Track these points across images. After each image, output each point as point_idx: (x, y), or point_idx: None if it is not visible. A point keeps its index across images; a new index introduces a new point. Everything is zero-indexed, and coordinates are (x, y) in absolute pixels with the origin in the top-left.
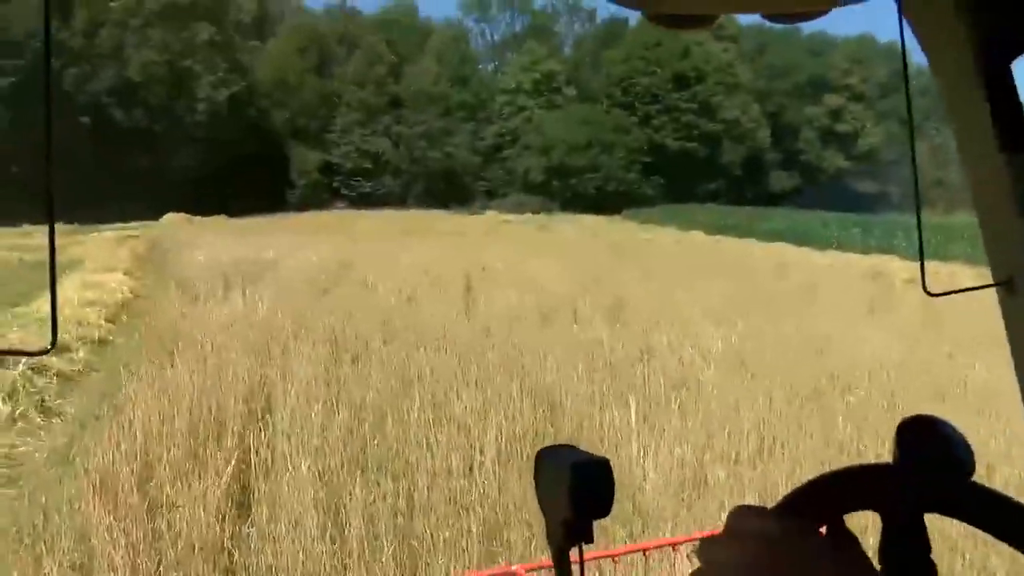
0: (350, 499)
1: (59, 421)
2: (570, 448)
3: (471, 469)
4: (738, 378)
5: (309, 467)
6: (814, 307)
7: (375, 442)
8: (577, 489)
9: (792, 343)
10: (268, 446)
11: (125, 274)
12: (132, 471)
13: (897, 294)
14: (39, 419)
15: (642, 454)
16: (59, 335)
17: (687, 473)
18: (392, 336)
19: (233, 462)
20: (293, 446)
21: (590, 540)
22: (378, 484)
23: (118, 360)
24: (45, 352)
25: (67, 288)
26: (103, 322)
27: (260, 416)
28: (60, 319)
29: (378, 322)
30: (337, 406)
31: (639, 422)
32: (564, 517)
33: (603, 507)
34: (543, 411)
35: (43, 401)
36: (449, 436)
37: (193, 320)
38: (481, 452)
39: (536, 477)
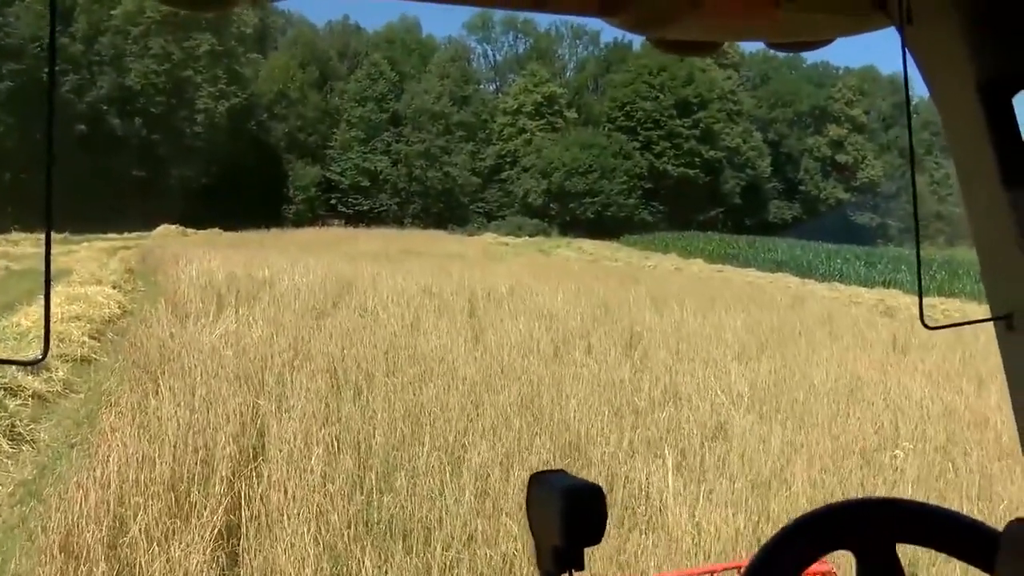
0: (359, 571)
1: (30, 449)
2: (562, 473)
3: (497, 537)
4: (776, 426)
5: (309, 528)
6: (836, 344)
7: (384, 498)
8: (568, 515)
9: (824, 385)
10: (262, 500)
11: (114, 287)
12: (101, 529)
13: (918, 331)
14: (7, 446)
15: (690, 519)
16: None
17: (743, 545)
18: (396, 367)
19: (220, 519)
20: (290, 499)
21: (580, 567)
22: (392, 555)
23: (100, 383)
24: (37, 362)
25: (53, 301)
26: (87, 339)
27: (252, 458)
28: (40, 332)
29: (381, 351)
30: (339, 450)
31: (677, 479)
32: (554, 543)
33: (595, 534)
34: (570, 463)
35: (13, 426)
36: (467, 492)
37: (182, 341)
38: (506, 514)
39: (528, 501)
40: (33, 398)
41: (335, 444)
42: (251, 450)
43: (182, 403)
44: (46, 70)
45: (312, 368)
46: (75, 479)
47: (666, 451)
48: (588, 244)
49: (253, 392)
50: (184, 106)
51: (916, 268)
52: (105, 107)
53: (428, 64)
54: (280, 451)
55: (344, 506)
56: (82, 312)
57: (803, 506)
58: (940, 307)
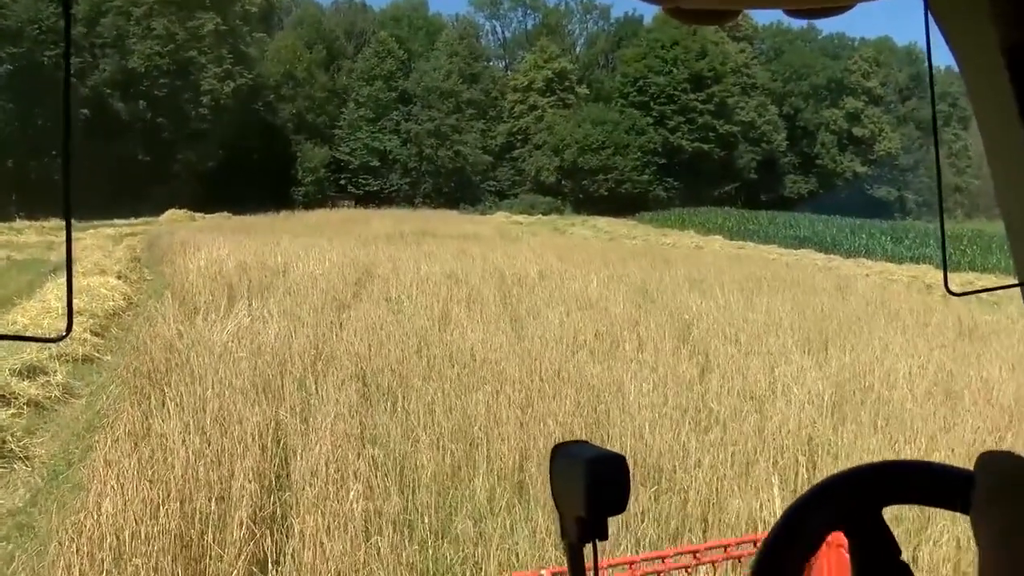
0: None
1: (23, 468)
2: (585, 444)
3: None
4: (876, 437)
5: None
6: (897, 328)
7: (443, 547)
8: (592, 485)
9: (911, 381)
10: (293, 558)
11: (119, 278)
12: None
13: (977, 315)
14: None
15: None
16: (35, 354)
17: None
18: (433, 369)
19: None
20: (327, 558)
21: (604, 537)
22: None
23: (102, 387)
24: (60, 339)
25: (51, 294)
26: (89, 335)
27: (277, 488)
28: (38, 331)
29: (412, 349)
30: (379, 482)
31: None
32: (578, 514)
33: (618, 504)
34: (658, 494)
35: (4, 442)
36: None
37: (190, 341)
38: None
39: (551, 472)
40: (29, 406)
41: (375, 475)
42: (274, 480)
43: (191, 423)
44: (47, 53)
45: (338, 372)
46: (57, 539)
47: (772, 475)
48: (603, 222)
49: (273, 403)
50: (189, 88)
51: (940, 234)
52: (108, 91)
53: (436, 42)
54: (311, 486)
55: (394, 563)
56: (84, 306)
57: (947, 552)
58: (978, 284)
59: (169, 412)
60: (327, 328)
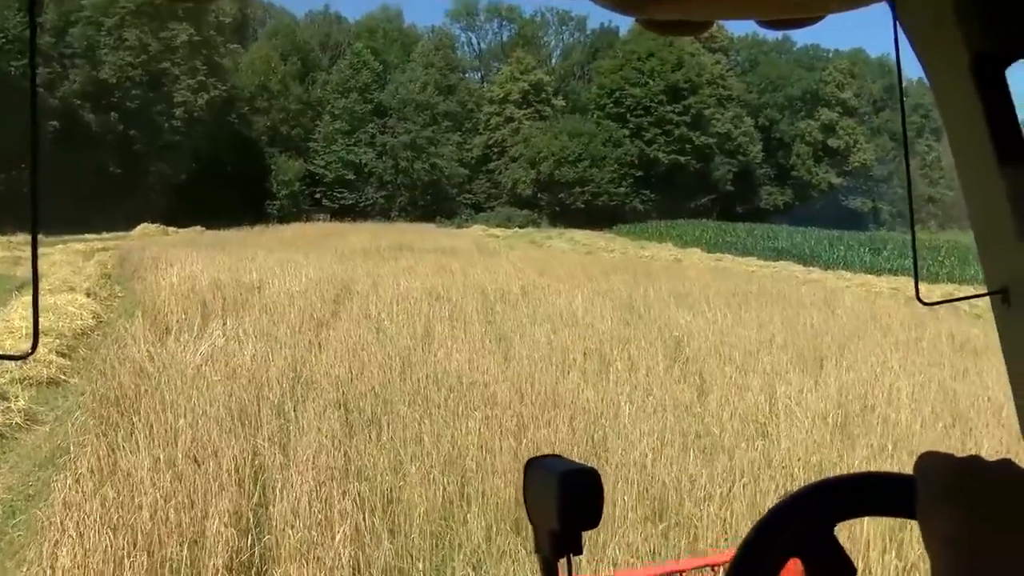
0: None
1: None
2: (558, 458)
3: None
4: (896, 463)
5: None
6: (891, 343)
7: None
8: (565, 499)
9: (917, 401)
10: None
11: (88, 295)
12: None
13: (965, 328)
14: None
15: None
16: None
17: None
18: (417, 393)
19: None
20: None
21: (579, 551)
22: None
23: (67, 413)
24: (25, 357)
25: (15, 313)
26: (55, 357)
27: (251, 543)
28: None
29: (395, 371)
30: (367, 522)
31: None
32: (552, 528)
33: (592, 518)
34: (667, 531)
35: None
36: None
37: (162, 364)
38: None
39: (524, 486)
40: None
41: (361, 515)
42: (252, 519)
43: (161, 457)
44: (13, 63)
45: (318, 398)
46: None
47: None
48: (580, 234)
49: (249, 433)
50: (162, 100)
51: (912, 245)
52: (79, 102)
53: (411, 54)
54: (293, 528)
55: None
56: (51, 325)
57: None
58: (955, 295)
59: (138, 444)
60: (305, 349)
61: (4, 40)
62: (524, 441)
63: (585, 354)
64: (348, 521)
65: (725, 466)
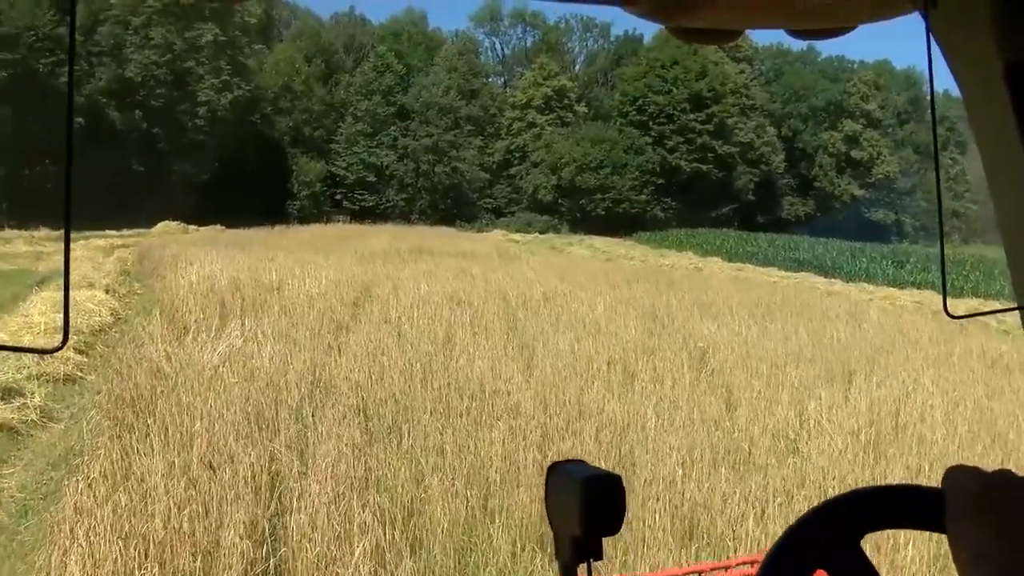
0: None
1: None
2: (581, 463)
3: None
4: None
5: None
6: (927, 363)
7: None
8: (587, 504)
9: (953, 421)
10: None
11: (107, 292)
12: None
13: (995, 343)
14: None
15: None
16: (11, 374)
17: None
18: (439, 401)
19: None
20: None
21: (599, 557)
22: None
23: (83, 410)
24: (56, 350)
25: (35, 308)
26: (72, 353)
27: (267, 554)
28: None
29: (416, 378)
30: (387, 535)
31: None
32: (573, 533)
33: (614, 524)
34: (698, 553)
35: None
36: None
37: (179, 365)
38: None
39: (546, 491)
40: (2, 431)
41: (382, 528)
42: (268, 529)
43: (176, 462)
44: (43, 60)
45: (338, 403)
46: None
47: None
48: (600, 241)
49: (267, 436)
50: (186, 99)
51: (940, 257)
52: (104, 100)
53: (435, 57)
54: (310, 542)
55: None
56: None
57: None
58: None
59: (152, 448)
60: (324, 352)
61: (35, 38)
62: (549, 453)
63: (609, 364)
64: (368, 536)
65: (758, 484)
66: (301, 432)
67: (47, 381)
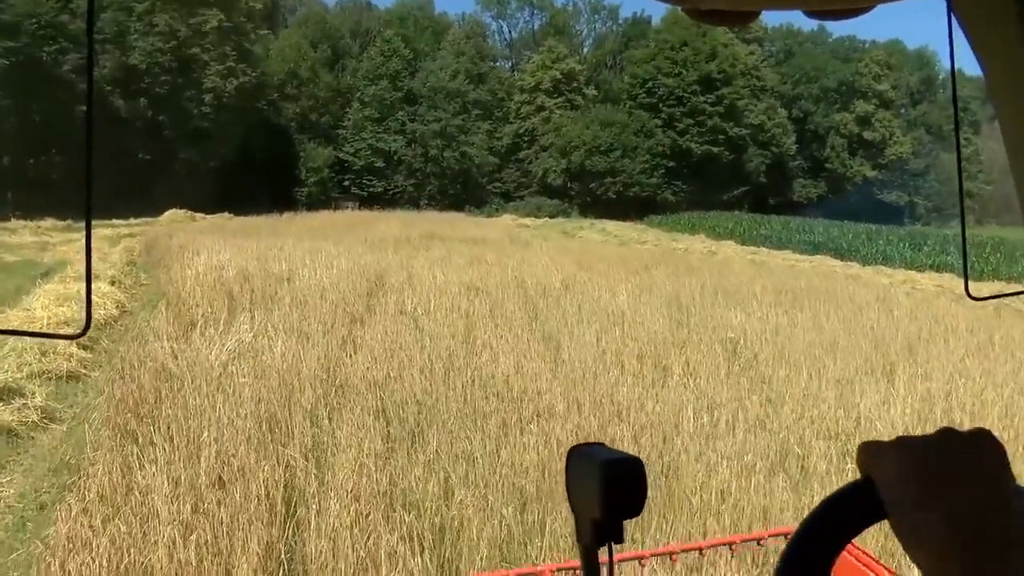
0: None
1: None
2: (601, 446)
3: None
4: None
5: None
6: (968, 352)
7: None
8: (608, 487)
9: (1010, 417)
10: None
11: (112, 283)
12: None
13: None
14: None
15: None
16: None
17: None
18: (464, 402)
19: None
20: None
21: (620, 540)
22: None
23: (87, 410)
24: (79, 336)
25: (37, 302)
26: (75, 349)
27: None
28: (16, 345)
29: (438, 376)
30: (420, 572)
31: None
32: (594, 516)
33: (634, 507)
34: None
35: None
36: None
37: (185, 363)
38: None
39: (567, 474)
40: (1, 434)
41: (411, 552)
42: (283, 552)
43: (183, 478)
44: (46, 48)
45: (355, 406)
46: None
47: None
48: (611, 225)
49: (280, 443)
50: (191, 86)
51: (961, 238)
52: (108, 87)
53: (442, 41)
54: (334, 573)
55: None
56: (71, 316)
57: None
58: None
59: (156, 459)
60: (339, 347)
61: (37, 26)
62: None
63: (639, 358)
64: (396, 564)
65: (819, 493)
66: (317, 438)
67: (49, 379)
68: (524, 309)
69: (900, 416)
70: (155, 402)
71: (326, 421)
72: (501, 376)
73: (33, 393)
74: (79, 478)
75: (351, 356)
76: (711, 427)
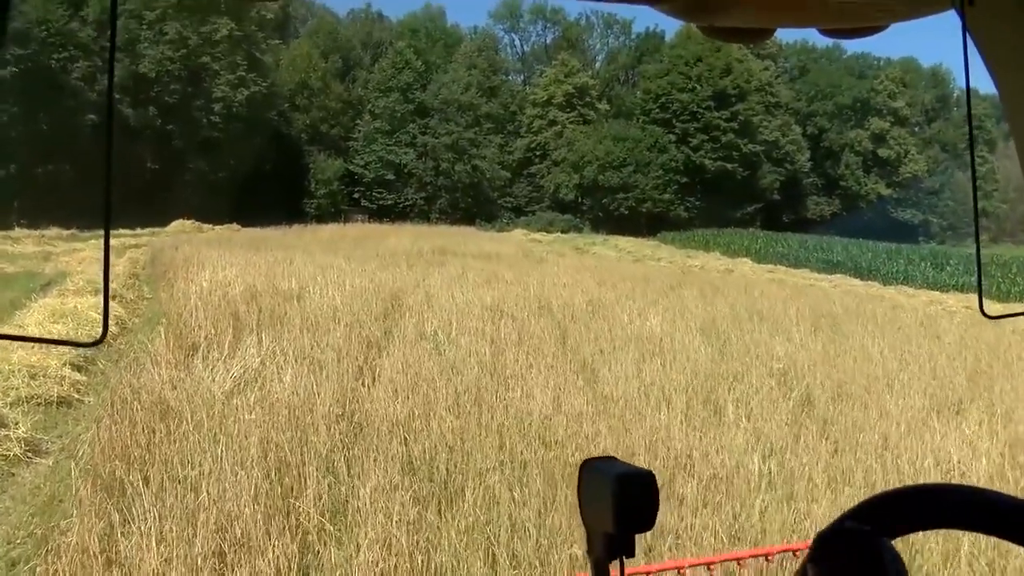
0: None
1: None
2: (614, 460)
3: None
4: None
5: None
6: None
7: None
8: (620, 501)
9: None
10: None
11: (113, 299)
12: None
13: None
14: None
15: None
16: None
17: None
18: (502, 447)
19: None
20: None
21: (631, 554)
22: None
23: (76, 444)
24: (96, 344)
25: (31, 318)
26: (68, 371)
27: None
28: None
29: (469, 414)
30: None
31: None
32: (606, 530)
33: (646, 521)
34: None
35: None
36: None
37: (185, 394)
38: None
39: (579, 488)
40: None
41: None
42: None
43: (176, 554)
44: (55, 56)
45: (377, 451)
46: None
47: None
48: (624, 241)
49: (290, 489)
50: (201, 95)
51: (976, 255)
52: (117, 95)
53: (454, 54)
54: None
55: None
56: (68, 332)
57: None
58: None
59: (145, 521)
60: (354, 377)
61: (47, 33)
62: (656, 526)
63: (687, 394)
64: None
65: (933, 564)
66: (334, 491)
67: (38, 405)
68: (552, 334)
69: (985, 465)
70: (147, 445)
71: (344, 471)
72: (539, 414)
73: (16, 423)
74: (50, 549)
75: (369, 389)
76: (785, 484)
